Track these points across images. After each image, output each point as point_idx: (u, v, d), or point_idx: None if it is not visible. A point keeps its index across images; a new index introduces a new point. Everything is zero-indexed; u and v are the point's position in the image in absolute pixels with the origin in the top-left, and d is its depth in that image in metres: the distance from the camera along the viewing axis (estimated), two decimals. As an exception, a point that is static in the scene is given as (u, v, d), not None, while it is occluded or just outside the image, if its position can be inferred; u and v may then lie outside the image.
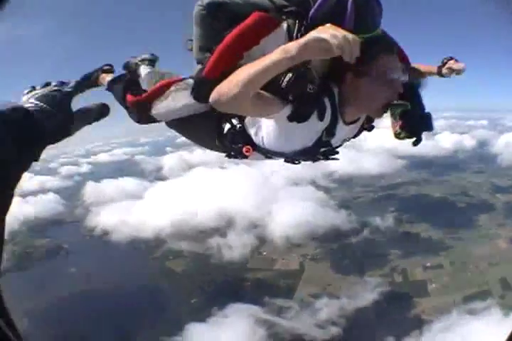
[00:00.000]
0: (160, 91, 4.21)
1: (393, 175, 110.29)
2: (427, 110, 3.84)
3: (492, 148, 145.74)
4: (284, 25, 3.48)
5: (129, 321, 59.44)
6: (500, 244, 74.30)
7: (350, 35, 2.68)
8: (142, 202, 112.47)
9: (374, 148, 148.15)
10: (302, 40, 2.74)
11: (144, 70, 5.06)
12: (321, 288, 66.49)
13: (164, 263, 77.65)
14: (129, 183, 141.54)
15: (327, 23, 2.87)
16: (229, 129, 3.85)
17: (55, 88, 2.31)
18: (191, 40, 4.03)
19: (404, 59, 3.97)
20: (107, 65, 5.61)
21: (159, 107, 4.17)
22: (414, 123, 3.77)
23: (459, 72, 4.40)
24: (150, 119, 4.34)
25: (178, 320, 60.80)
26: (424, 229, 79.29)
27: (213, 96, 3.08)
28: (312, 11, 3.37)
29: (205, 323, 61.71)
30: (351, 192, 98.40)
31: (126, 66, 5.43)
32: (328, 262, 72.68)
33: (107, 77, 5.34)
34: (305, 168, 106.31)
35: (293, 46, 2.75)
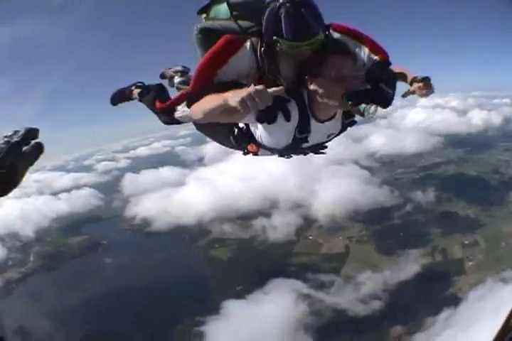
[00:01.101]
0: (181, 99, 5.28)
1: (431, 153, 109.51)
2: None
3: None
4: (248, 43, 4.20)
5: (170, 314, 59.67)
6: None
7: (252, 91, 3.23)
8: (183, 189, 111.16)
9: (411, 127, 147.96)
10: (239, 94, 3.31)
11: (177, 79, 6.21)
12: (366, 267, 67.09)
13: (209, 252, 78.13)
14: (169, 172, 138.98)
15: (276, 36, 3.92)
16: (238, 130, 4.70)
17: (5, 139, 2.40)
18: None
19: (379, 52, 4.32)
20: (139, 82, 6.57)
21: (180, 111, 5.24)
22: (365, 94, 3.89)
23: (421, 95, 4.32)
24: (174, 121, 5.45)
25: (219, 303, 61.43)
26: (461, 207, 79.46)
27: (189, 113, 4.24)
28: (263, 28, 4.05)
29: (245, 300, 62.71)
30: (393, 172, 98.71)
31: (162, 76, 6.59)
32: (372, 244, 73.25)
33: (136, 90, 6.40)
34: (346, 149, 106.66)
35: (230, 100, 3.39)
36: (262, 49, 4.14)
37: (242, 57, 4.19)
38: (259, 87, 3.22)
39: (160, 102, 5.61)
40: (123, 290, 65.77)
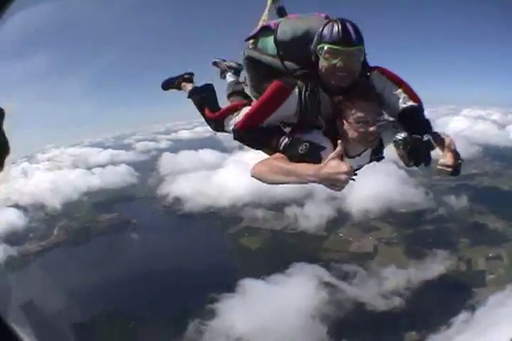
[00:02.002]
0: (229, 112, 5.65)
1: (469, 163, 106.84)
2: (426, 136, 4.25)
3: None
4: (296, 90, 4.38)
5: (190, 299, 59.63)
6: None
7: (347, 170, 3.35)
8: (220, 172, 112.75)
9: (452, 135, 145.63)
10: (320, 174, 3.46)
11: (229, 78, 6.71)
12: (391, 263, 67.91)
13: (239, 241, 78.81)
14: (208, 155, 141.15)
15: (320, 43, 4.20)
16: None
17: None
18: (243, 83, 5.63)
19: (414, 98, 4.56)
20: (187, 73, 6.91)
21: (228, 122, 5.58)
22: (414, 154, 4.18)
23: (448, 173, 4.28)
24: (223, 130, 5.82)
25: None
26: (491, 220, 78.69)
27: (252, 172, 4.11)
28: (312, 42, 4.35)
29: (264, 281, 63.54)
30: (430, 177, 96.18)
31: (215, 64, 7.10)
32: (402, 247, 73.53)
33: (188, 86, 6.75)
34: (387, 149, 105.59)
35: (312, 176, 3.56)
36: (307, 93, 4.38)
37: (290, 105, 4.43)
38: (343, 168, 3.39)
39: (209, 111, 6.04)
40: (146, 271, 65.97)
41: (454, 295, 60.98)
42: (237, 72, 6.73)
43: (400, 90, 4.51)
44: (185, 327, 56.70)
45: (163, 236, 79.36)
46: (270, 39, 4.77)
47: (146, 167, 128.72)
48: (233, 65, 6.81)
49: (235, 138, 4.69)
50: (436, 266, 67.62)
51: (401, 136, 4.18)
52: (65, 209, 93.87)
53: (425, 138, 4.16)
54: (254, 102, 4.90)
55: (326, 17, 4.66)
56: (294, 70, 4.55)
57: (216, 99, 6.38)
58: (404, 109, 4.47)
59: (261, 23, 5.53)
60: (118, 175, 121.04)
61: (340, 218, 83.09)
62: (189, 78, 6.89)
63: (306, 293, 60.01)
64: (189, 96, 6.63)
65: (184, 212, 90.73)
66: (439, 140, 4.31)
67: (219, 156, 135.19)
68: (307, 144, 4.05)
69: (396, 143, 4.21)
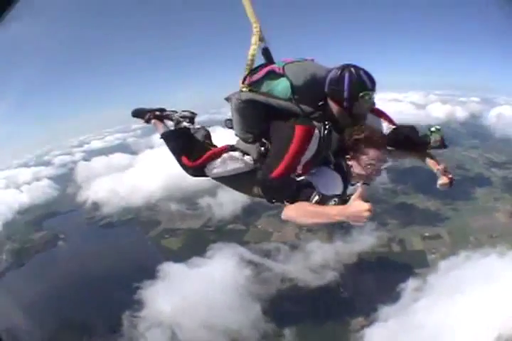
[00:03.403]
0: (211, 158, 5.57)
1: None
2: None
3: (485, 120, 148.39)
4: (317, 131, 4.64)
5: (120, 296, 61.04)
6: (500, 217, 74.81)
7: (369, 208, 3.66)
8: (131, 172, 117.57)
9: None
10: (346, 213, 3.79)
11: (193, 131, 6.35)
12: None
13: (160, 243, 79.57)
14: (118, 158, 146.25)
15: (361, 92, 4.57)
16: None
17: None
18: (230, 120, 5.37)
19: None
20: (159, 109, 6.57)
21: (211, 169, 5.58)
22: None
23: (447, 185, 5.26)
24: (203, 176, 5.82)
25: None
26: (419, 200, 79.96)
27: (285, 215, 4.41)
28: (345, 93, 4.59)
29: (184, 263, 65.03)
30: None
31: (166, 117, 6.59)
32: (324, 232, 71.21)
33: (159, 125, 6.50)
34: None
35: (339, 216, 3.86)
36: (325, 132, 4.71)
37: (314, 144, 4.65)
38: (366, 207, 3.69)
39: (188, 159, 5.80)
40: (83, 281, 67.03)
41: (392, 274, 61.29)
42: (192, 120, 6.48)
43: (381, 119, 5.38)
44: (121, 323, 58.28)
45: (90, 247, 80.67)
46: (279, 83, 4.95)
47: (65, 178, 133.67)
48: (187, 114, 6.51)
49: (265, 188, 4.80)
50: (365, 237, 68.83)
51: (436, 127, 5.36)
52: (6, 232, 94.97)
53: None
54: (287, 149, 4.65)
55: (312, 60, 5.19)
56: (310, 112, 4.76)
57: (192, 145, 6.05)
58: (395, 133, 5.28)
59: (250, 60, 5.43)
60: (42, 190, 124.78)
61: (256, 208, 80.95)
62: (160, 115, 6.58)
63: (231, 273, 61.21)
64: (162, 138, 6.37)
65: (106, 221, 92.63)
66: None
67: (129, 158, 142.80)
68: (336, 200, 4.26)
69: (435, 131, 5.36)
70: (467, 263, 60.83)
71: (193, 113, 6.46)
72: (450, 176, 5.21)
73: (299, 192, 4.50)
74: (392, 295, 56.69)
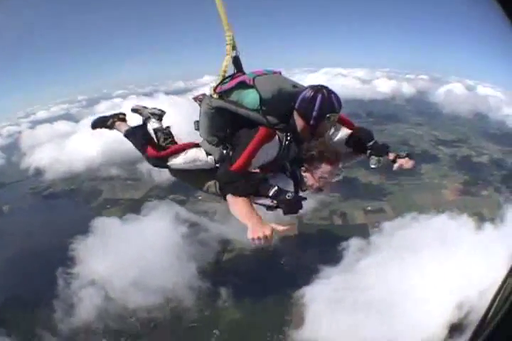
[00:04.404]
0: (177, 151, 5.96)
1: None
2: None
3: (432, 97, 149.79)
4: (277, 137, 5.00)
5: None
6: (447, 194, 76.33)
7: (267, 231, 3.97)
8: (74, 138, 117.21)
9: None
10: (251, 224, 4.12)
11: (153, 124, 6.71)
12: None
13: (101, 213, 76.75)
14: (61, 125, 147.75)
15: (330, 113, 4.83)
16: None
17: None
18: (197, 122, 5.75)
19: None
20: (121, 113, 6.90)
21: (175, 161, 5.95)
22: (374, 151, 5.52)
23: (409, 167, 5.46)
24: (164, 167, 6.10)
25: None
26: (362, 174, 79.32)
27: (229, 202, 4.73)
28: (314, 113, 4.82)
29: (119, 219, 65.73)
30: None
31: (135, 111, 6.98)
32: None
33: (122, 125, 6.80)
34: None
35: (246, 221, 4.22)
36: (287, 142, 5.09)
37: (274, 148, 5.04)
38: (256, 233, 4.00)
39: (153, 149, 6.19)
40: (27, 254, 65.37)
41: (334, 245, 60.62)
42: (160, 117, 6.90)
43: (340, 125, 5.68)
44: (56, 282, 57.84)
45: (35, 219, 79.40)
46: (248, 94, 5.22)
47: (11, 147, 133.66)
48: (156, 111, 6.92)
49: (225, 181, 4.98)
50: (306, 210, 67.18)
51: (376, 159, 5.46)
52: None
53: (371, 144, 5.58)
54: (248, 145, 5.02)
55: (280, 72, 5.56)
56: (275, 124, 5.06)
57: (152, 138, 6.54)
58: (346, 138, 5.69)
59: (223, 70, 5.73)
60: None
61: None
62: (123, 117, 6.96)
63: (166, 231, 61.65)
64: (126, 136, 6.72)
65: (48, 192, 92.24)
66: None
67: (72, 126, 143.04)
68: (291, 194, 4.65)
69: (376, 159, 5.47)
70: (414, 223, 61.87)
71: (162, 111, 6.87)
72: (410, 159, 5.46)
73: (257, 185, 4.77)
74: (334, 257, 57.09)
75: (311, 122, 4.90)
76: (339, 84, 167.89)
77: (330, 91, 4.87)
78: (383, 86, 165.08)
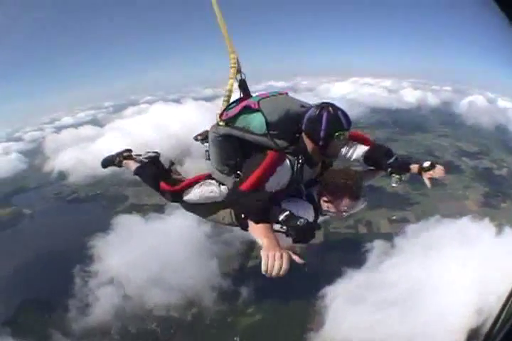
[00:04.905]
0: (191, 184, 5.72)
1: (357, 122, 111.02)
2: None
3: (456, 108, 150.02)
4: (288, 161, 4.81)
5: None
6: (470, 205, 76.09)
7: (279, 254, 3.59)
8: (99, 141, 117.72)
9: (337, 98, 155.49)
10: (265, 246, 3.74)
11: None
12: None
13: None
14: (87, 130, 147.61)
15: (337, 131, 4.56)
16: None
17: None
18: (208, 151, 5.55)
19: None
20: (126, 150, 6.70)
21: (190, 196, 5.70)
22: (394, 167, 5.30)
23: (440, 177, 5.34)
24: (180, 201, 5.89)
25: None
26: (388, 183, 77.79)
27: (250, 227, 4.41)
28: (322, 133, 4.60)
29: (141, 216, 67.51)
30: None
31: (130, 159, 6.63)
32: None
33: (130, 163, 6.56)
34: None
35: (262, 241, 3.88)
36: (299, 165, 4.87)
37: (285, 171, 4.80)
38: (268, 262, 3.60)
39: (167, 184, 5.96)
40: (50, 257, 66.55)
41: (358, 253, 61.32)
42: (156, 159, 6.52)
43: (356, 142, 5.53)
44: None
45: (59, 223, 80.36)
46: (254, 118, 5.04)
47: (34, 152, 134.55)
48: (151, 154, 6.52)
49: (233, 201, 4.88)
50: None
51: (397, 177, 5.26)
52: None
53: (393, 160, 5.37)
54: (258, 166, 4.82)
55: (286, 93, 5.37)
56: (284, 147, 4.89)
57: (166, 170, 6.35)
58: (364, 156, 5.51)
59: (227, 95, 5.70)
60: (11, 164, 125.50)
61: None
62: (129, 155, 6.73)
63: (190, 229, 61.19)
64: (136, 174, 6.47)
65: (73, 197, 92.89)
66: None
67: (98, 130, 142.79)
68: (302, 220, 4.23)
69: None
70: (438, 225, 63.17)
71: (156, 152, 6.57)
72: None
73: (268, 209, 4.44)
74: (358, 260, 58.21)
75: (320, 143, 4.74)
76: (366, 93, 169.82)
77: (336, 108, 4.70)
78: (409, 96, 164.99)
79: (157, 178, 6.15)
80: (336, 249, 62.13)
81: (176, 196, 5.89)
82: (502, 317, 3.34)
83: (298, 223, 4.11)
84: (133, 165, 6.55)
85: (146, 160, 6.43)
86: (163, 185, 6.01)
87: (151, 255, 58.33)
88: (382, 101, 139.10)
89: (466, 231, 58.59)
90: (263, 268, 3.52)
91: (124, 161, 6.68)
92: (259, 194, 4.54)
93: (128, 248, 60.25)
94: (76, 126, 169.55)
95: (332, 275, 55.90)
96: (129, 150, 6.77)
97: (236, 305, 54.97)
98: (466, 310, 46.02)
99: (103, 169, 7.14)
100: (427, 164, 5.23)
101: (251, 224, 4.40)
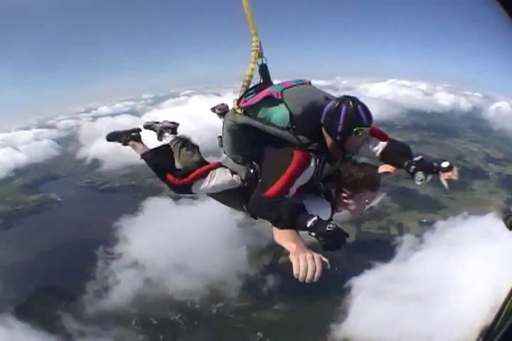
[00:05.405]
0: (199, 177, 5.55)
1: (391, 124, 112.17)
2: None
3: (485, 114, 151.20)
4: (313, 159, 4.59)
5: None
6: (492, 210, 75.12)
7: (310, 255, 3.47)
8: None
9: (376, 98, 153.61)
10: (293, 253, 3.62)
11: (169, 138, 6.30)
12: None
13: None
14: (124, 119, 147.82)
15: (356, 127, 4.41)
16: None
17: None
18: (221, 137, 5.40)
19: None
20: (134, 130, 6.42)
21: (200, 186, 5.56)
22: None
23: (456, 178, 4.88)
24: (188, 193, 5.78)
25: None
26: (420, 186, 78.76)
27: (274, 233, 4.18)
28: (339, 127, 4.48)
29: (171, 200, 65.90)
30: None
31: (149, 128, 6.53)
32: None
33: (138, 146, 6.30)
34: None
35: (290, 248, 3.73)
36: (320, 163, 4.64)
37: (310, 171, 4.58)
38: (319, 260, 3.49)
39: (174, 177, 5.75)
40: (75, 246, 66.30)
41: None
42: (174, 130, 6.37)
43: (374, 138, 5.04)
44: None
45: (88, 212, 79.35)
46: (277, 110, 4.81)
47: (68, 139, 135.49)
48: (168, 124, 6.42)
49: (258, 209, 4.52)
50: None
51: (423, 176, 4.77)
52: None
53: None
54: (284, 170, 4.52)
55: (309, 82, 5.11)
56: (307, 144, 4.70)
57: (172, 163, 5.95)
58: (382, 152, 5.02)
59: (246, 80, 5.33)
60: (42, 150, 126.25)
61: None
62: (137, 136, 6.43)
63: (221, 216, 59.31)
64: (144, 158, 6.06)
65: (106, 186, 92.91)
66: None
67: (135, 119, 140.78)
68: (332, 225, 3.91)
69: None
70: (465, 223, 64.84)
71: (174, 123, 6.43)
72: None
73: (295, 216, 4.11)
74: (386, 256, 59.23)
75: (338, 138, 4.58)
76: (403, 95, 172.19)
77: (357, 103, 4.49)
78: (443, 99, 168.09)
79: (164, 169, 5.89)
80: (366, 248, 62.64)
81: (183, 189, 5.72)
82: (502, 316, 3.47)
83: (327, 228, 3.87)
84: (140, 148, 6.29)
85: (157, 146, 6.17)
86: (170, 177, 5.76)
87: (178, 240, 58.54)
88: (418, 104, 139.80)
89: (490, 229, 58.61)
90: (295, 271, 3.41)
91: (131, 142, 6.39)
92: (285, 200, 4.27)
93: (155, 231, 60.65)
94: (113, 115, 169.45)
95: (361, 268, 56.88)
96: (138, 130, 6.50)
97: (260, 301, 55.12)
98: (482, 308, 46.82)
99: (107, 142, 6.69)
100: (445, 164, 4.79)
101: (275, 229, 4.19)
